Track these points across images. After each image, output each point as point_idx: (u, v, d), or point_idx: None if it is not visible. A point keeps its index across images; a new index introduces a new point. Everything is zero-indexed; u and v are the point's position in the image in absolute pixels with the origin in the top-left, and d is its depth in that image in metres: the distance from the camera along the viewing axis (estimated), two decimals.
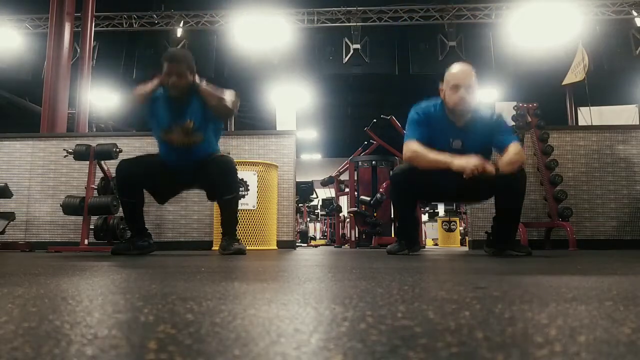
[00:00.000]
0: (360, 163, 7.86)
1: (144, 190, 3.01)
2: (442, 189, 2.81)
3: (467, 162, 2.43)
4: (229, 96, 2.84)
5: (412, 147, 2.64)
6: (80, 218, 3.75)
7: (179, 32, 10.81)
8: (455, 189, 2.72)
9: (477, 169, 2.39)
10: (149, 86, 2.82)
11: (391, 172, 2.89)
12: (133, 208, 2.95)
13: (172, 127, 2.86)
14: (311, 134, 17.58)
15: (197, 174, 2.97)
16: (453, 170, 2.46)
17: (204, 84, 2.84)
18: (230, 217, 3.01)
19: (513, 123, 4.43)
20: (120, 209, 3.81)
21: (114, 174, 3.95)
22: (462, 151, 2.61)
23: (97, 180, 3.88)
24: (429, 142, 2.65)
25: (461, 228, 10.59)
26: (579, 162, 4.59)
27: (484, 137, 2.67)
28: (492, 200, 2.78)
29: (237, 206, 3.05)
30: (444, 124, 2.69)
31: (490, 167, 2.42)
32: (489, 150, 2.73)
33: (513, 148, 2.57)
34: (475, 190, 2.71)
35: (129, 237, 3.06)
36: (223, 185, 2.95)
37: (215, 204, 3.81)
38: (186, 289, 0.88)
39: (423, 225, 10.36)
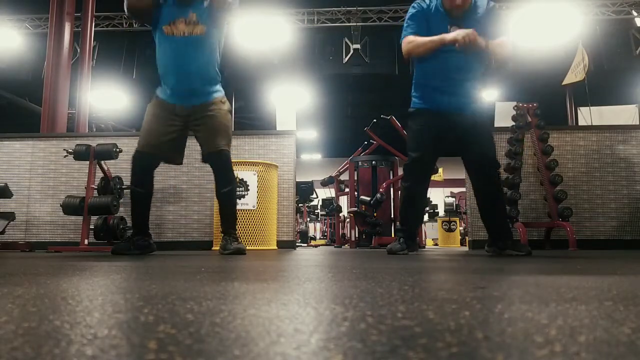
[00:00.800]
0: (360, 163, 7.87)
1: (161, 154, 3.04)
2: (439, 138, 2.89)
3: (457, 33, 2.55)
4: None
5: (408, 39, 2.77)
6: (80, 218, 3.75)
7: None
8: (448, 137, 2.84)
9: (468, 37, 2.50)
10: None
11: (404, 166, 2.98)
12: (143, 199, 2.99)
13: (175, 19, 2.94)
14: (311, 134, 17.58)
15: (198, 122, 2.99)
16: (447, 42, 2.59)
17: None
18: (228, 212, 3.07)
19: (513, 123, 4.43)
20: (121, 209, 3.82)
21: (114, 174, 3.97)
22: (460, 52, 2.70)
23: (97, 180, 3.88)
24: (426, 35, 2.74)
25: (461, 228, 10.59)
26: (579, 162, 4.59)
27: (481, 25, 2.73)
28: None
29: (235, 200, 3.14)
30: (441, 14, 2.78)
31: (481, 40, 2.55)
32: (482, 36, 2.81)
33: (505, 38, 2.71)
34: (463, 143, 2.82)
35: (129, 236, 3.06)
36: (220, 179, 3.03)
37: (215, 204, 3.82)
38: (186, 289, 0.88)
39: (423, 225, 10.36)
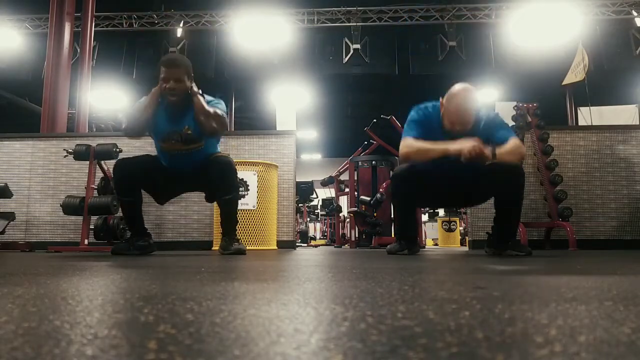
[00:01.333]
0: (360, 163, 7.87)
1: (143, 190, 3.01)
2: (442, 192, 2.81)
3: (463, 145, 2.39)
4: (218, 115, 2.80)
5: (408, 142, 2.63)
6: (80, 218, 3.75)
7: (179, 32, 10.82)
8: (455, 193, 2.72)
9: (474, 150, 2.35)
10: (151, 98, 2.79)
11: (392, 172, 2.89)
12: (132, 207, 2.93)
13: (170, 135, 2.84)
14: (311, 134, 17.59)
15: (197, 176, 2.97)
16: (450, 154, 2.44)
17: (199, 95, 2.80)
18: (229, 217, 3.01)
19: (513, 123, 4.43)
20: (120, 209, 3.82)
21: (113, 173, 3.96)
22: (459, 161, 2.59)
23: (97, 180, 3.88)
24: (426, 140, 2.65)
25: (461, 228, 10.59)
26: (579, 162, 4.59)
27: (482, 136, 2.62)
28: (492, 201, 2.78)
29: (237, 206, 3.05)
30: (442, 129, 2.67)
31: (487, 151, 2.39)
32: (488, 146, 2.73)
33: (513, 141, 2.55)
34: (474, 192, 2.71)
35: (128, 237, 3.06)
36: (222, 185, 2.94)
37: (216, 204, 3.81)
38: (186, 289, 0.88)
39: (423, 225, 10.37)
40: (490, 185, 2.66)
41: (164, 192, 3.10)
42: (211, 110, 2.78)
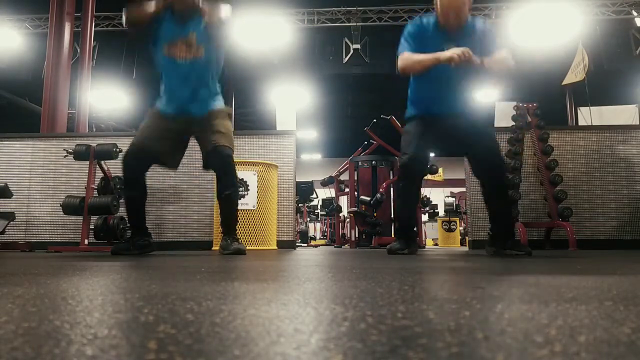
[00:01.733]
0: (360, 163, 7.87)
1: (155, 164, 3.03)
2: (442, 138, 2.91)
3: (453, 52, 2.55)
4: (224, 11, 2.90)
5: (404, 55, 2.78)
6: (80, 218, 3.75)
7: None
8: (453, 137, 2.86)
9: (463, 55, 2.52)
10: (153, 5, 2.87)
11: (399, 164, 2.99)
12: (137, 201, 2.95)
13: (176, 40, 2.91)
14: (311, 134, 17.59)
15: (198, 132, 2.98)
16: (442, 60, 2.59)
17: (205, 4, 2.91)
18: (230, 214, 3.03)
19: (513, 123, 4.43)
20: (121, 209, 3.82)
21: (114, 174, 3.97)
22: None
23: (97, 180, 3.88)
24: (423, 51, 2.75)
25: (461, 228, 10.59)
26: (579, 162, 4.59)
27: (477, 43, 2.75)
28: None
29: (237, 201, 3.09)
30: (438, 32, 2.80)
31: (475, 58, 2.56)
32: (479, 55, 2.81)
33: (503, 52, 2.71)
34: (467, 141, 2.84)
35: (129, 236, 3.06)
36: (222, 181, 2.98)
37: (215, 204, 3.81)
38: (186, 289, 0.88)
39: (423, 225, 10.36)
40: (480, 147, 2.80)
41: (171, 154, 3.06)
42: (217, 8, 2.89)
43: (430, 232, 11.47)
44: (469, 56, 2.53)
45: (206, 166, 3.06)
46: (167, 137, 2.97)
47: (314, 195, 10.81)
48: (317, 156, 20.37)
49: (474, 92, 2.93)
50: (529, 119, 4.42)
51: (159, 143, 2.95)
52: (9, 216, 4.15)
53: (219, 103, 3.07)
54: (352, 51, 10.74)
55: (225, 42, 3.11)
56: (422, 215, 9.85)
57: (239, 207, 3.17)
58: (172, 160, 3.07)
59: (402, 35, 2.86)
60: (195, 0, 2.89)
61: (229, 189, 2.98)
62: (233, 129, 3.18)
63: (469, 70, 2.68)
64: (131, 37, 3.36)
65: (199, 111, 2.98)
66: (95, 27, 9.13)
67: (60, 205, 3.77)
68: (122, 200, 3.92)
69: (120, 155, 3.79)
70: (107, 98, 12.52)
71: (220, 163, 2.94)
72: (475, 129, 2.83)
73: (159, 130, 2.97)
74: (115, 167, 4.15)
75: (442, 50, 2.66)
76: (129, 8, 2.92)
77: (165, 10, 2.92)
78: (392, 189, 7.31)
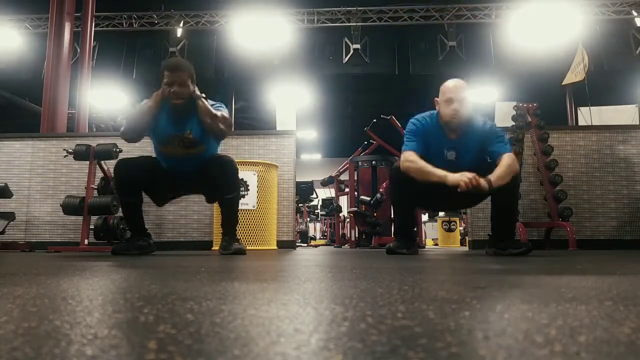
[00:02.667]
0: (360, 163, 7.87)
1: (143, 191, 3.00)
2: (437, 196, 2.85)
3: (460, 177, 2.49)
4: (224, 117, 2.82)
5: (410, 157, 2.72)
6: (80, 218, 3.75)
7: (179, 32, 10.82)
8: (450, 197, 2.76)
9: (471, 183, 2.46)
10: (153, 101, 2.78)
11: (391, 169, 2.96)
12: (133, 208, 2.93)
13: (172, 138, 2.83)
14: (311, 134, 17.58)
15: (198, 177, 2.96)
16: (448, 183, 2.54)
17: (202, 98, 2.80)
18: (231, 217, 3.01)
19: (513, 123, 4.43)
20: (121, 209, 3.82)
21: (113, 174, 3.97)
22: (456, 162, 2.71)
23: (97, 180, 3.88)
24: (425, 152, 2.74)
25: (461, 228, 10.59)
26: (579, 162, 4.59)
27: (478, 147, 2.75)
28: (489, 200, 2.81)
29: (238, 205, 3.06)
30: (439, 135, 2.79)
31: (483, 182, 2.48)
32: (484, 160, 2.77)
33: (506, 160, 2.63)
34: (468, 199, 2.79)
35: (128, 237, 3.06)
36: (224, 184, 2.94)
37: (216, 204, 3.81)
38: (186, 289, 0.88)
39: (423, 225, 10.36)
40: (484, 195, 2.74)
41: (164, 193, 3.10)
42: (217, 113, 2.80)
43: (430, 232, 11.47)
44: (476, 182, 2.46)
45: (210, 199, 3.14)
46: (166, 179, 2.96)
47: (314, 195, 10.81)
48: (317, 156, 20.36)
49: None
50: (529, 119, 4.42)
51: (158, 176, 2.93)
52: (9, 216, 4.15)
53: (216, 152, 3.06)
54: (352, 51, 10.73)
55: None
56: (422, 215, 9.86)
57: (239, 207, 3.17)
58: (162, 197, 3.08)
59: (406, 132, 2.85)
60: (190, 92, 2.77)
61: (232, 193, 2.97)
62: (233, 129, 3.17)
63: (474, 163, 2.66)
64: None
65: (201, 165, 2.95)
66: (95, 27, 9.12)
67: (60, 205, 3.77)
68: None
69: (122, 155, 3.81)
70: (107, 98, 12.52)
71: (221, 168, 2.91)
72: (485, 137, 2.79)
73: (160, 170, 2.95)
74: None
75: (443, 152, 2.72)
76: (128, 121, 2.84)
77: (163, 105, 2.80)
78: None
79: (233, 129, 3.10)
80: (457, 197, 2.66)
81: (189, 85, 2.77)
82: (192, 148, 2.86)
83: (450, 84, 2.77)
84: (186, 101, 2.78)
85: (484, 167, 2.66)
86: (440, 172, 2.59)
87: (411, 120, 2.87)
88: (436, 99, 2.81)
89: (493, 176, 2.54)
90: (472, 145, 2.75)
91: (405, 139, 2.82)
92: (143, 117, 2.78)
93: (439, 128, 2.79)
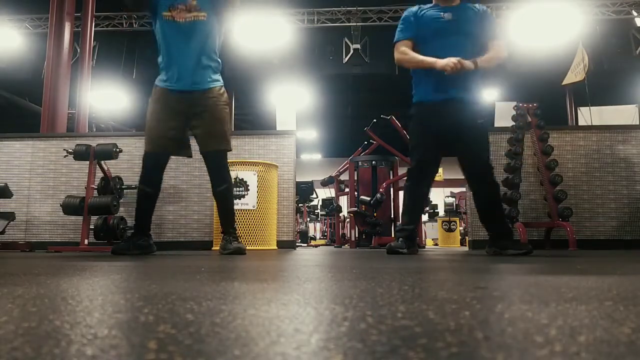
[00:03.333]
0: (360, 163, 7.87)
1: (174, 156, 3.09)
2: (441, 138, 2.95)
3: (447, 63, 2.67)
4: None
5: (401, 48, 2.91)
6: (80, 218, 3.75)
7: None
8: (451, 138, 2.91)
9: (458, 64, 2.65)
10: None
11: (408, 169, 3.11)
12: (150, 199, 2.99)
13: (175, 5, 2.92)
14: (311, 134, 17.58)
15: (198, 113, 2.99)
16: (437, 68, 2.71)
17: None
18: (226, 210, 3.08)
19: (513, 123, 4.43)
20: (121, 209, 3.82)
21: (114, 174, 3.97)
22: (452, 23, 2.83)
23: (97, 180, 3.88)
24: (418, 32, 2.88)
25: (461, 228, 10.59)
26: (579, 162, 4.59)
27: (472, 24, 2.86)
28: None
29: (232, 198, 3.14)
30: (435, 7, 2.91)
31: (468, 63, 2.67)
32: (476, 32, 2.90)
33: (496, 46, 2.82)
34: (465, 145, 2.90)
35: (129, 236, 3.06)
36: (216, 177, 3.04)
37: (215, 204, 3.81)
38: (186, 289, 0.88)
39: (423, 225, 10.36)
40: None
41: (182, 140, 3.09)
42: None
43: (430, 232, 11.48)
44: (460, 65, 2.65)
45: (202, 147, 3.11)
46: (172, 127, 2.99)
47: (314, 195, 10.81)
48: (317, 156, 20.37)
49: (478, 78, 2.95)
50: (529, 119, 4.42)
51: (170, 140, 2.99)
52: (9, 216, 4.15)
53: (218, 83, 3.07)
54: (352, 51, 10.74)
55: (227, 20, 3.11)
56: (422, 215, 9.85)
57: (239, 207, 3.19)
58: (186, 151, 3.13)
59: (400, 22, 2.98)
60: None
61: (222, 185, 3.04)
62: (233, 129, 3.18)
63: (472, 54, 2.77)
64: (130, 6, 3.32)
65: (200, 85, 2.98)
66: (95, 27, 9.12)
67: (60, 205, 3.77)
68: (122, 200, 3.93)
69: (122, 155, 3.81)
70: (107, 98, 12.52)
71: (212, 164, 3.04)
72: (471, 132, 2.85)
73: (165, 123, 2.98)
74: (115, 167, 4.16)
75: (440, 19, 2.82)
76: None
77: None
78: (392, 189, 7.32)
79: (232, 129, 3.13)
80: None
81: None
82: (195, 12, 2.92)
83: None
84: None
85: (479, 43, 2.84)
86: (429, 59, 2.76)
87: (406, 10, 3.02)
88: None
89: (480, 59, 2.74)
90: (466, 14, 2.87)
91: (398, 29, 2.96)
92: None
93: (435, 4, 2.92)
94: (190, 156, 3.17)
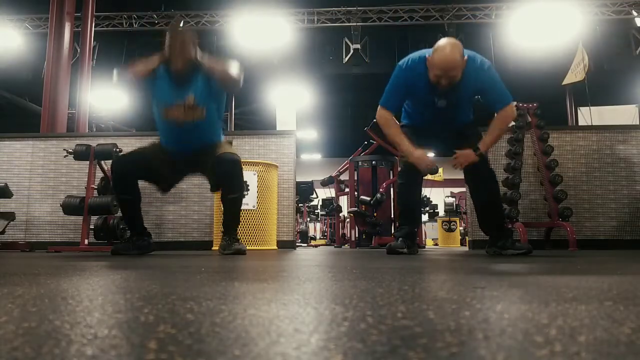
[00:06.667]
0: (360, 163, 7.87)
1: (144, 184, 2.99)
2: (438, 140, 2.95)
3: (421, 160, 2.67)
4: (233, 67, 2.81)
5: (386, 116, 2.79)
6: (80, 218, 3.75)
7: None
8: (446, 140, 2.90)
9: (430, 166, 2.68)
10: (149, 62, 2.79)
11: (400, 169, 3.05)
12: (131, 205, 2.93)
13: (173, 103, 2.83)
14: (311, 134, 17.58)
15: (200, 163, 2.95)
16: (410, 160, 2.70)
17: (206, 59, 2.82)
18: (232, 216, 3.02)
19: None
20: (120, 208, 3.82)
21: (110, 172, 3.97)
22: (447, 110, 2.74)
23: (97, 180, 3.88)
24: (414, 102, 2.82)
25: (461, 228, 10.59)
26: (579, 162, 4.59)
27: (471, 92, 2.73)
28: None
29: (241, 205, 3.07)
30: (428, 86, 2.68)
31: (473, 157, 2.66)
32: (471, 101, 2.85)
33: (501, 112, 2.68)
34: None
35: (128, 236, 3.06)
36: (229, 185, 2.93)
37: (216, 204, 3.81)
38: (186, 289, 0.88)
39: (423, 225, 10.35)
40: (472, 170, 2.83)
41: (166, 178, 3.06)
42: (224, 64, 2.82)
43: (430, 232, 11.47)
44: (466, 161, 2.67)
45: (214, 187, 3.05)
46: (166, 164, 2.96)
47: (314, 195, 10.81)
48: (317, 156, 20.36)
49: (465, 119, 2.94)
50: (529, 119, 4.41)
51: (157, 164, 2.93)
52: (9, 216, 4.15)
53: (220, 138, 3.05)
54: (352, 51, 10.74)
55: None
56: (422, 215, 9.85)
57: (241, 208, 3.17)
58: (165, 184, 3.06)
59: (392, 79, 2.75)
60: (192, 55, 2.78)
61: (236, 193, 2.96)
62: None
63: (461, 111, 2.75)
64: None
65: (202, 148, 2.94)
66: (95, 27, 9.13)
67: (60, 205, 3.77)
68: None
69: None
70: (107, 98, 12.51)
71: (227, 169, 2.89)
72: (465, 137, 2.84)
73: (160, 157, 2.95)
74: None
75: (434, 102, 2.70)
76: (129, 69, 2.84)
77: (162, 65, 2.80)
78: (392, 189, 7.32)
79: (231, 129, 3.12)
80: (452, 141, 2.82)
81: (191, 48, 2.78)
82: (194, 112, 2.84)
83: (439, 59, 2.55)
84: (187, 65, 2.78)
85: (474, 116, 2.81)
86: (407, 146, 2.72)
87: (399, 64, 2.73)
88: (428, 57, 2.62)
89: (483, 143, 2.68)
90: (465, 93, 2.69)
91: (387, 90, 2.77)
92: (135, 75, 2.78)
93: (428, 79, 2.66)
94: (166, 192, 3.12)
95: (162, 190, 3.12)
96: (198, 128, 2.89)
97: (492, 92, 2.70)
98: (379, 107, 2.80)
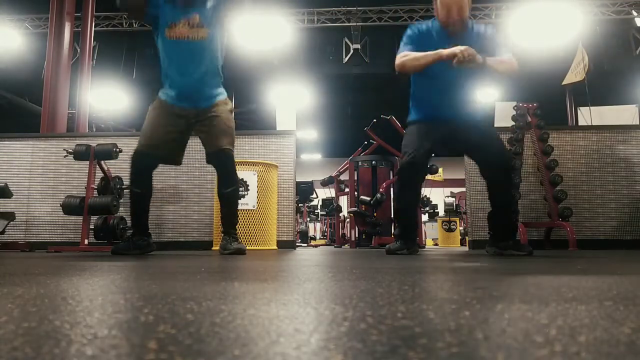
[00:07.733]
0: (360, 163, 7.87)
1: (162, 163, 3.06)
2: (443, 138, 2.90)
3: (455, 49, 2.51)
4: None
5: (403, 53, 2.76)
6: (80, 218, 3.75)
7: None
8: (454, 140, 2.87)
9: (466, 52, 2.48)
10: None
11: (398, 169, 3.00)
12: (142, 200, 2.97)
13: (177, 21, 2.88)
14: (311, 134, 17.57)
15: (202, 126, 2.98)
16: (443, 58, 2.56)
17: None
18: (229, 212, 3.05)
19: (513, 123, 4.43)
20: (121, 209, 3.82)
21: (114, 174, 3.97)
22: (458, 76, 2.73)
23: (97, 180, 3.88)
24: (425, 70, 2.76)
25: (461, 228, 10.59)
26: (579, 162, 4.59)
27: (480, 47, 2.71)
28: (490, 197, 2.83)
29: (237, 201, 3.11)
30: (439, 34, 2.78)
31: (478, 57, 2.50)
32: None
33: (509, 56, 2.70)
34: (471, 145, 2.85)
35: (128, 236, 3.06)
36: (224, 179, 3.01)
37: (216, 203, 3.81)
38: (186, 289, 0.88)
39: (423, 225, 10.35)
40: (484, 153, 2.79)
41: (180, 146, 3.07)
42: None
43: (430, 232, 11.47)
44: (471, 53, 2.48)
45: (209, 161, 3.07)
46: (171, 131, 2.97)
47: (314, 195, 10.82)
48: (317, 156, 20.36)
49: (475, 93, 2.92)
50: (529, 119, 4.42)
51: (166, 144, 2.96)
52: (9, 216, 4.15)
53: (222, 96, 3.07)
54: (352, 51, 10.74)
55: (228, 24, 3.08)
56: (422, 215, 9.86)
57: (239, 207, 3.18)
58: (178, 158, 3.10)
59: (402, 39, 2.84)
60: None
61: (230, 187, 3.01)
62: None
63: (471, 71, 2.66)
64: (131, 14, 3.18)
65: (204, 102, 2.97)
66: (95, 27, 9.12)
67: (60, 205, 3.77)
68: (122, 200, 3.93)
69: (122, 155, 3.81)
70: (107, 98, 12.52)
71: (222, 164, 2.99)
72: (481, 131, 2.83)
73: (165, 127, 2.96)
74: (115, 167, 4.15)
75: (446, 47, 2.64)
76: None
77: None
78: (392, 189, 7.32)
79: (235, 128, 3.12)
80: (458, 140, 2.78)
81: None
82: (198, 29, 2.89)
83: None
84: None
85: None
86: (433, 52, 2.61)
87: (408, 27, 2.88)
88: (434, 1, 2.77)
89: (489, 57, 2.60)
90: (474, 43, 2.70)
91: (401, 44, 2.83)
92: None
93: (439, 28, 2.79)
94: (179, 164, 3.12)
95: (177, 163, 3.14)
96: (201, 52, 2.91)
97: (499, 46, 2.76)
98: (396, 58, 2.79)
